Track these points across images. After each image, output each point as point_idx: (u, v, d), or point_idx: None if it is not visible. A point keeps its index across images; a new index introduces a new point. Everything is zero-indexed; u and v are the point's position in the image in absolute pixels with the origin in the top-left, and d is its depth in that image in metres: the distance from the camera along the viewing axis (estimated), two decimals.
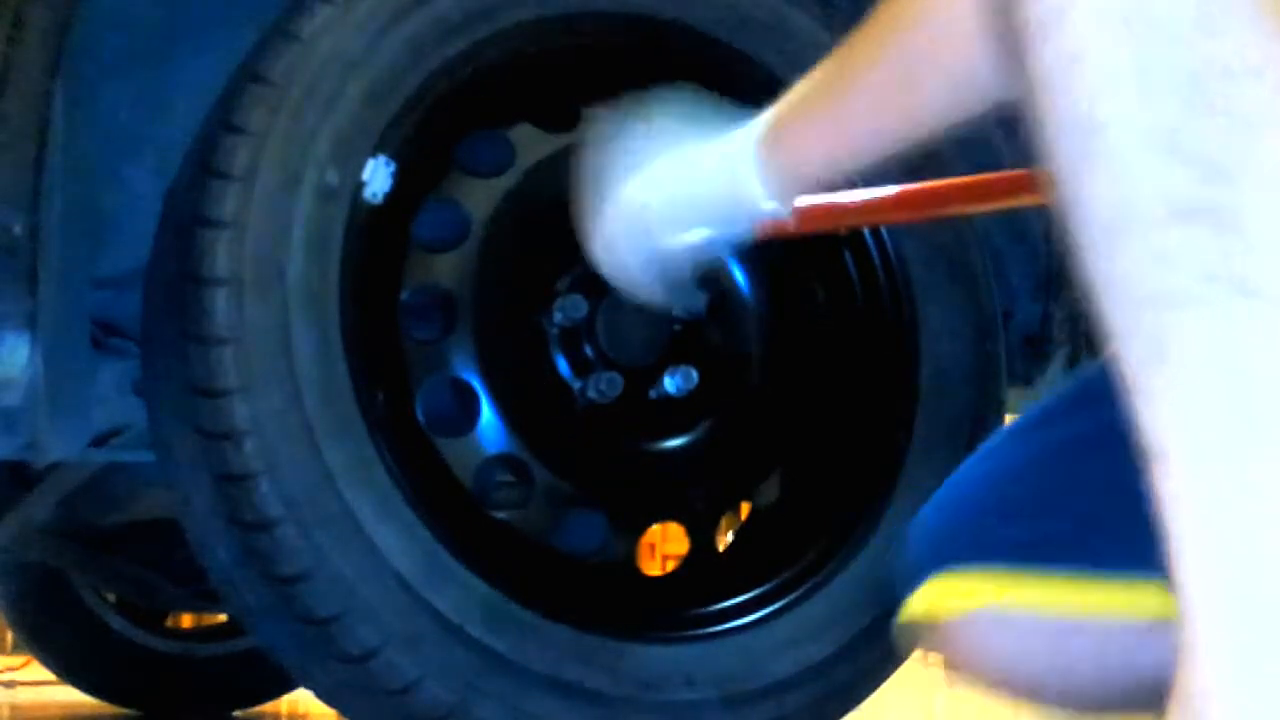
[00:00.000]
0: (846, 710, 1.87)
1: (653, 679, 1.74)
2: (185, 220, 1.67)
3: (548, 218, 1.87)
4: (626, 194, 1.21)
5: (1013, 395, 2.02)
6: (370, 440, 1.66)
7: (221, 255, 1.63)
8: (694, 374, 1.89)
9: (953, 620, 1.01)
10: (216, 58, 1.77)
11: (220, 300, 1.63)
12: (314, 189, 1.67)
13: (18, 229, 1.63)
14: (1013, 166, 1.56)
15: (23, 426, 1.81)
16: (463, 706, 1.65)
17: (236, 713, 3.53)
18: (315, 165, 1.67)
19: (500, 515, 1.80)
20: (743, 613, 1.82)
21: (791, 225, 1.20)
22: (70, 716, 3.56)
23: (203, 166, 1.67)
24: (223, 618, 3.61)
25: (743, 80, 1.90)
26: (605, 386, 1.84)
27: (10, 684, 4.32)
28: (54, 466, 2.14)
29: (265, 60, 1.69)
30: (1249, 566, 0.62)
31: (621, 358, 1.85)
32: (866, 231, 1.93)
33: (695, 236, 1.18)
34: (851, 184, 1.39)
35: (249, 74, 1.69)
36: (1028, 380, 2.14)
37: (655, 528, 2.01)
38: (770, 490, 1.97)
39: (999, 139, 1.82)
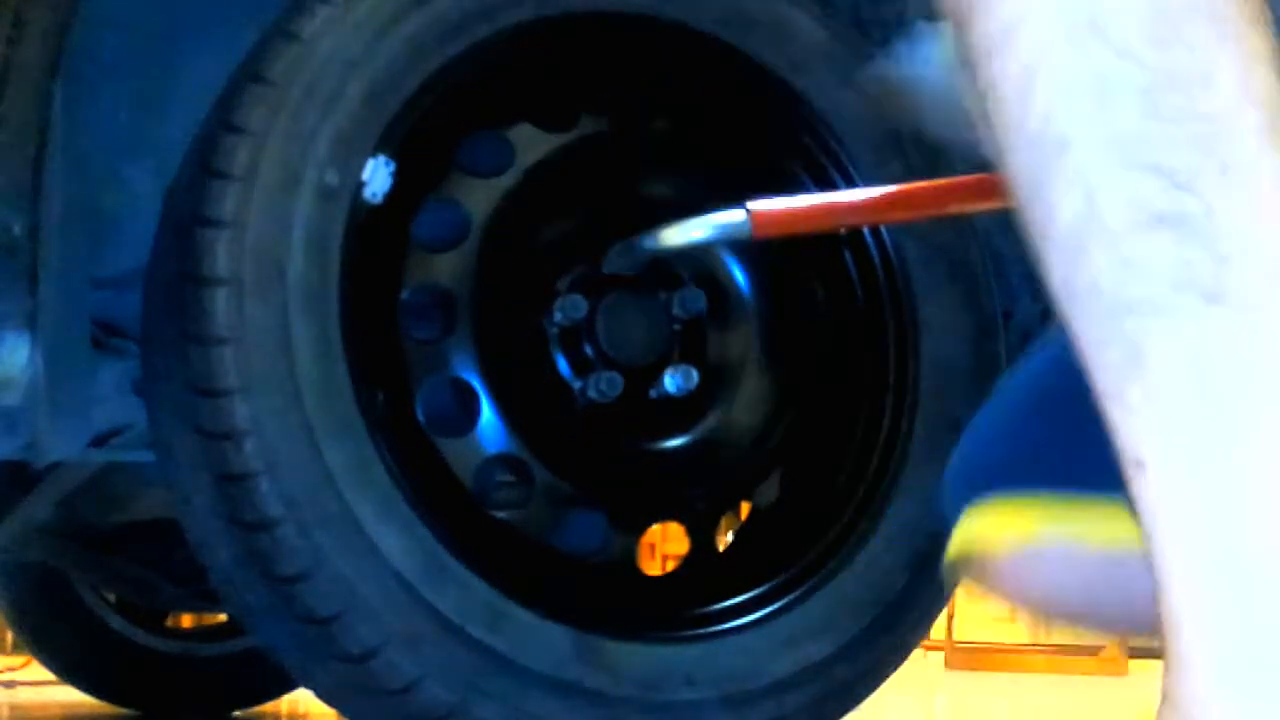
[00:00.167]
0: (846, 710, 1.87)
1: (653, 679, 1.74)
2: (185, 220, 1.67)
3: (548, 218, 1.87)
4: None
5: None
6: (370, 440, 1.66)
7: (221, 255, 1.64)
8: (694, 374, 1.89)
9: (996, 556, 1.00)
10: (216, 58, 1.77)
11: (220, 300, 1.63)
12: (314, 189, 1.67)
13: (18, 229, 1.63)
14: None
15: (23, 426, 1.81)
16: (463, 706, 1.65)
17: (236, 713, 3.52)
18: (315, 165, 1.67)
19: (500, 515, 1.80)
20: (743, 613, 1.82)
21: (791, 225, 1.19)
22: (70, 716, 3.55)
23: (203, 166, 1.67)
24: (223, 618, 3.60)
25: (743, 80, 1.91)
26: (605, 386, 1.84)
27: (10, 684, 4.31)
28: (54, 466, 2.14)
29: (265, 60, 1.69)
30: (1233, 574, 0.63)
31: (621, 357, 1.85)
32: (866, 231, 1.93)
33: None
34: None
35: (249, 74, 1.69)
36: None
37: (655, 528, 2.01)
38: (770, 490, 1.96)
39: None
